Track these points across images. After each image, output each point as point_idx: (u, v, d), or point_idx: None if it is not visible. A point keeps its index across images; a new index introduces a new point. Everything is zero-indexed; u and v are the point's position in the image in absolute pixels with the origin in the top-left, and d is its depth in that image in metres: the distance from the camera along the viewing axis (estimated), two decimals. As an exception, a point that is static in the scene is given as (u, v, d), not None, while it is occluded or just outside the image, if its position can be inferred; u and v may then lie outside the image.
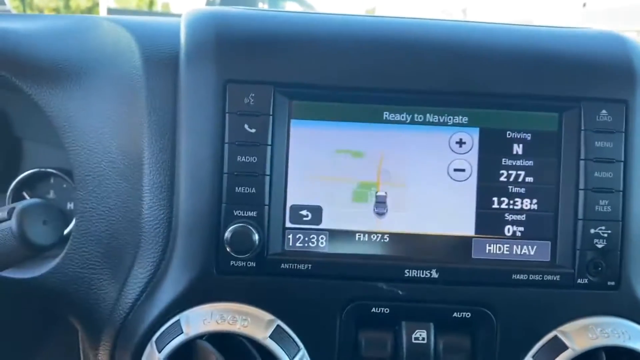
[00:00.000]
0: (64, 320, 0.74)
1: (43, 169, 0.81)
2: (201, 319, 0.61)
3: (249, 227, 0.61)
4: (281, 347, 0.61)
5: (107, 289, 0.68)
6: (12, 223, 0.55)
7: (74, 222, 0.72)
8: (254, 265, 0.62)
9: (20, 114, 0.82)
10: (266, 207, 0.63)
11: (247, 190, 0.62)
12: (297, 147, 0.64)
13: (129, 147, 0.68)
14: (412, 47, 0.66)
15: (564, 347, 0.62)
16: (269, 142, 0.63)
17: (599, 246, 0.63)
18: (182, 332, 0.60)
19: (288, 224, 0.64)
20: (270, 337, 0.61)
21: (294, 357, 0.61)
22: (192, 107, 0.64)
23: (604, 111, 0.64)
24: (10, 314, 0.85)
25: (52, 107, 0.70)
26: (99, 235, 0.68)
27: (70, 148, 0.70)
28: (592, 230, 0.63)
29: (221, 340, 0.61)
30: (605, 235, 0.63)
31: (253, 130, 0.62)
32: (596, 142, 0.64)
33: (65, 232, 0.76)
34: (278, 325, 0.62)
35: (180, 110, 0.64)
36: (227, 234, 0.61)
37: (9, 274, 0.71)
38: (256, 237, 0.61)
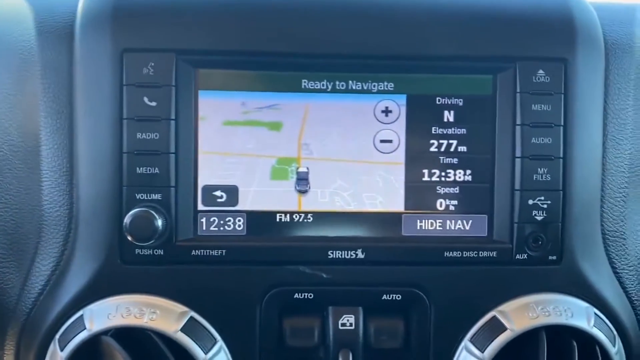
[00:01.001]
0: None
1: None
2: (106, 313, 0.56)
3: (151, 211, 0.55)
4: (194, 341, 0.56)
5: (10, 282, 0.62)
6: None
7: None
8: (162, 253, 0.57)
9: None
10: (172, 189, 0.57)
11: (149, 170, 0.56)
12: (207, 121, 0.58)
13: (27, 128, 0.61)
14: (331, 8, 0.59)
15: (503, 328, 0.57)
16: (173, 117, 0.57)
17: (539, 218, 0.59)
18: (85, 328, 0.55)
19: (200, 207, 0.59)
20: (182, 330, 0.56)
21: (209, 351, 0.56)
22: (87, 80, 0.57)
23: (541, 71, 0.59)
24: None
25: None
26: (3, 225, 0.63)
27: None
28: (531, 201, 0.58)
29: (129, 335, 0.56)
30: (545, 206, 0.59)
31: (154, 104, 0.56)
32: (533, 106, 0.59)
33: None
34: (191, 317, 0.57)
35: (76, 84, 0.58)
36: (126, 220, 0.55)
37: None
38: (159, 222, 0.56)
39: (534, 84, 0.59)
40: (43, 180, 0.60)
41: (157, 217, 0.55)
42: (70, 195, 0.59)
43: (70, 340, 0.56)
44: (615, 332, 0.60)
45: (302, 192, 0.59)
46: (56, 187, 0.60)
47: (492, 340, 0.57)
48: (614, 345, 0.59)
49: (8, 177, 0.62)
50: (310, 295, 0.59)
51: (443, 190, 0.60)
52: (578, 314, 0.58)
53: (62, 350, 0.55)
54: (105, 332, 0.55)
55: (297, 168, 0.59)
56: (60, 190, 0.60)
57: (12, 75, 0.62)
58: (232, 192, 0.59)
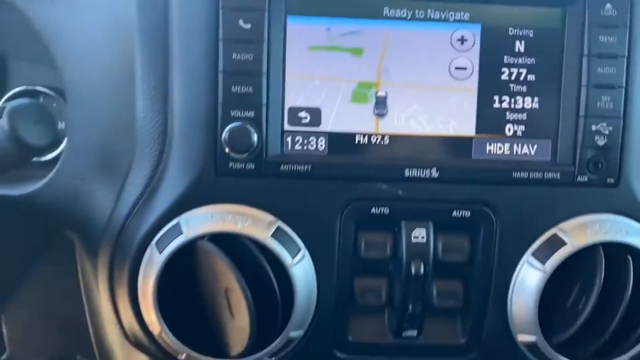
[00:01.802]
0: (60, 234, 0.74)
1: (31, 87, 0.79)
2: (201, 220, 0.61)
3: (248, 126, 0.60)
4: (283, 247, 0.61)
5: (104, 198, 0.67)
6: (3, 122, 0.54)
7: (66, 138, 0.70)
8: (253, 167, 0.62)
9: (5, 30, 0.80)
10: (264, 108, 0.61)
11: (243, 89, 0.61)
12: (294, 45, 0.62)
13: (121, 53, 0.66)
14: None
15: (563, 243, 0.62)
16: (265, 39, 0.61)
17: (600, 143, 0.63)
18: (183, 234, 0.60)
19: (287, 127, 0.63)
20: (272, 236, 0.61)
21: (295, 257, 0.61)
22: (184, 3, 0.61)
23: (608, 5, 0.62)
24: (7, 231, 0.84)
25: (38, 17, 0.67)
26: (92, 145, 0.67)
27: (60, 60, 0.67)
28: (594, 127, 0.63)
29: (221, 241, 0.61)
30: (606, 132, 0.63)
31: (248, 26, 0.60)
32: (600, 37, 0.62)
33: (58, 150, 0.75)
34: (279, 227, 0.62)
35: (172, 7, 0.62)
36: (225, 134, 0.60)
37: (3, 190, 0.70)
38: (255, 137, 0.60)
39: (601, 17, 0.62)
40: (138, 102, 0.64)
41: (253, 131, 0.60)
42: (164, 114, 0.63)
43: (168, 244, 0.61)
44: (667, 251, 0.65)
45: (380, 115, 0.64)
46: (151, 107, 0.64)
47: (553, 255, 0.62)
48: (665, 263, 0.64)
49: (99, 101, 0.67)
50: (386, 210, 0.64)
51: (512, 116, 0.64)
52: (633, 233, 0.63)
53: (160, 252, 0.61)
54: (200, 238, 0.61)
55: (377, 92, 0.63)
56: (155, 110, 0.64)
57: (108, 5, 0.66)
58: (315, 114, 0.63)
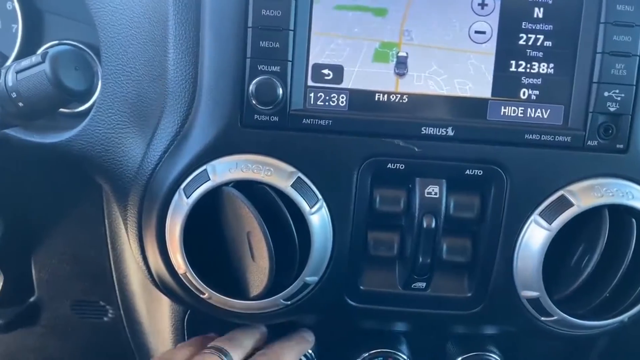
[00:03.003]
0: (91, 181, 0.78)
1: (65, 42, 0.82)
2: (227, 168, 0.64)
3: (274, 79, 0.63)
4: (302, 196, 0.64)
5: (134, 146, 0.71)
6: (46, 66, 0.57)
7: (99, 87, 0.74)
8: (277, 119, 0.65)
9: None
10: (289, 63, 0.64)
11: (271, 44, 0.63)
12: (321, 3, 0.65)
13: (154, 6, 0.69)
14: None
15: (570, 204, 0.65)
16: None
17: (611, 109, 0.65)
18: (209, 180, 0.64)
19: (310, 83, 0.66)
20: (292, 186, 0.64)
21: (313, 206, 0.65)
22: None
23: None
24: (40, 176, 0.89)
25: None
26: (125, 95, 0.71)
27: (95, 13, 0.71)
28: (606, 93, 0.65)
29: (245, 188, 0.64)
30: (619, 98, 0.65)
31: None
32: (617, 6, 0.64)
33: (92, 100, 0.78)
34: (299, 177, 0.65)
35: None
36: (252, 87, 0.63)
37: (39, 138, 0.74)
38: (280, 91, 0.63)
39: None
40: (169, 53, 0.68)
41: (278, 85, 0.63)
42: (195, 67, 0.67)
43: (195, 189, 0.64)
44: (669, 218, 0.67)
45: (400, 75, 0.66)
46: (183, 58, 0.67)
47: (560, 215, 0.65)
48: (667, 228, 0.66)
49: (132, 52, 0.70)
50: (402, 167, 0.67)
51: (527, 80, 0.66)
52: (638, 198, 0.66)
53: (187, 197, 0.65)
54: (225, 184, 0.64)
55: (398, 52, 0.66)
56: (186, 62, 0.67)
57: None
58: (337, 71, 0.66)
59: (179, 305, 0.83)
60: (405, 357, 0.80)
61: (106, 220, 0.92)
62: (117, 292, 0.99)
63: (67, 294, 1.03)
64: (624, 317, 0.68)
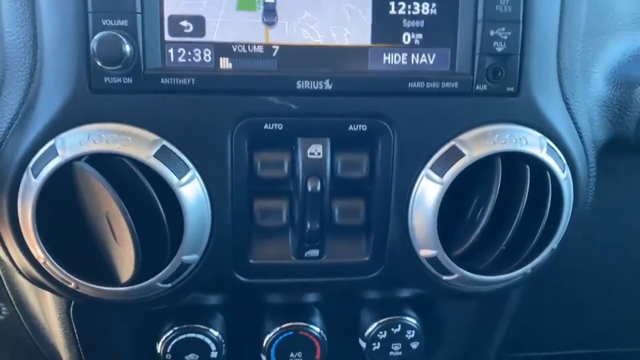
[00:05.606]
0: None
1: None
2: (78, 141, 0.57)
3: (118, 35, 0.55)
4: (168, 167, 0.58)
5: None
6: None
7: None
8: (131, 81, 0.57)
9: None
10: (138, 16, 0.56)
11: None
12: (170, -54, 0.57)
13: None
14: None
15: (461, 155, 0.61)
16: None
17: (499, 49, 0.61)
18: (58, 155, 0.56)
19: (167, 37, 0.59)
20: (155, 156, 0.57)
21: (182, 177, 0.58)
22: None
23: None
24: None
25: None
26: None
27: None
28: (492, 32, 0.60)
29: (103, 163, 0.57)
30: (505, 37, 0.60)
31: None
32: None
33: None
34: (164, 145, 0.58)
35: None
36: (93, 44, 0.55)
37: None
38: (127, 47, 0.56)
39: None
40: (2, 14, 0.59)
41: (124, 41, 0.55)
42: (32, 25, 0.58)
43: (43, 167, 0.56)
44: (565, 161, 0.64)
45: (270, 24, 0.59)
46: (17, 17, 0.58)
47: (451, 166, 0.61)
48: (563, 172, 0.63)
49: None
50: (280, 126, 0.61)
51: (409, 23, 0.61)
52: (532, 143, 0.62)
53: (35, 177, 0.57)
54: (77, 159, 0.57)
55: (264, -1, 0.59)
56: (22, 22, 0.58)
57: None
58: (198, 22, 0.59)
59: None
60: (317, 329, 0.76)
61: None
62: (7, 287, 0.91)
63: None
64: (526, 269, 0.66)
